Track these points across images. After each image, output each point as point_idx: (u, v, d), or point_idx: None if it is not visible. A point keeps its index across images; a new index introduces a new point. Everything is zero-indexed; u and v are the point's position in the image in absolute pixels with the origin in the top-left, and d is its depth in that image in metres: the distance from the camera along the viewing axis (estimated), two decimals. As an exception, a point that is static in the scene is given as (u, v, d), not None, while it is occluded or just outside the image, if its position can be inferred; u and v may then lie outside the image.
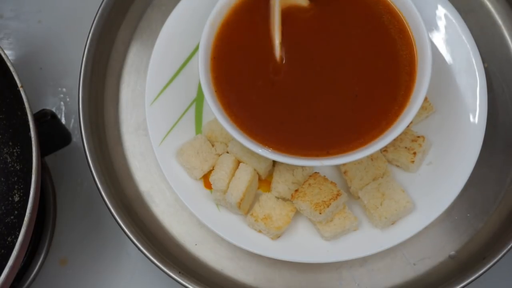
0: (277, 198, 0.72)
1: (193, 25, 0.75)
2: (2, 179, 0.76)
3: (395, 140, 0.65)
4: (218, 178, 0.71)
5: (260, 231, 0.71)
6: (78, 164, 0.83)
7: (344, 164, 0.72)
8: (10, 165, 0.76)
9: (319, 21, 0.71)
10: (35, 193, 0.67)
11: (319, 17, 0.71)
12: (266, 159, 0.71)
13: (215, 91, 0.68)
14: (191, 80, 0.76)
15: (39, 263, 0.80)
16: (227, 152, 0.73)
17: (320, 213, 0.69)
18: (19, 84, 0.70)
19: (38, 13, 0.90)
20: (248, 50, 0.71)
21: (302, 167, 0.71)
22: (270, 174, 0.73)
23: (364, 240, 0.71)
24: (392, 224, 0.71)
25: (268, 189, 0.73)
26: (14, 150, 0.76)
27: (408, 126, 0.65)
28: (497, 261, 0.69)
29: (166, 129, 0.74)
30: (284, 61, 0.69)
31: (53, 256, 0.81)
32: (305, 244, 0.71)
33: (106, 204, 0.72)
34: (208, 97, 0.67)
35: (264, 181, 0.74)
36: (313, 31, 0.70)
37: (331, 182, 0.71)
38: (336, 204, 0.69)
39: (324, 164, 0.65)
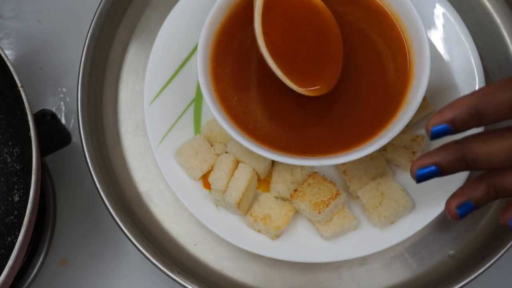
0: (276, 198, 0.72)
1: (191, 25, 0.75)
2: (2, 179, 0.76)
3: (394, 139, 0.65)
4: (217, 178, 0.71)
5: (259, 231, 0.71)
6: (78, 164, 0.83)
7: (343, 164, 0.72)
8: (10, 165, 0.76)
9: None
10: (35, 193, 0.67)
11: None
12: (265, 159, 0.71)
13: (214, 91, 0.68)
14: (190, 80, 0.76)
15: (39, 263, 0.79)
16: (226, 152, 0.73)
17: (319, 213, 0.69)
18: (19, 84, 0.70)
19: (38, 13, 0.90)
20: (247, 49, 0.71)
21: (301, 166, 0.71)
22: (269, 174, 0.73)
23: (364, 239, 0.71)
24: (392, 223, 0.71)
25: (267, 189, 0.73)
26: (14, 150, 0.76)
27: (407, 125, 0.65)
28: (496, 260, 0.69)
29: (165, 129, 0.74)
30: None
31: (53, 256, 0.81)
32: (304, 243, 0.71)
33: (105, 204, 0.72)
34: (207, 97, 0.67)
35: (263, 181, 0.74)
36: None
37: (330, 182, 0.71)
38: (335, 203, 0.69)
39: (323, 163, 0.65)
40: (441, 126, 0.54)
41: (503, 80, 0.53)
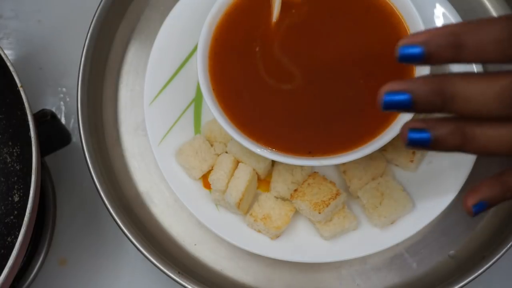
0: (276, 198, 0.72)
1: (191, 25, 0.75)
2: (2, 179, 0.76)
3: (394, 139, 0.65)
4: (217, 178, 0.71)
5: (259, 231, 0.71)
6: (78, 164, 0.83)
7: (343, 164, 0.72)
8: (10, 165, 0.76)
9: (314, 20, 0.71)
10: (35, 193, 0.67)
11: (315, 16, 0.71)
12: (265, 159, 0.71)
13: (214, 91, 0.68)
14: (190, 80, 0.76)
15: (39, 263, 0.80)
16: (226, 152, 0.73)
17: (319, 213, 0.69)
18: (19, 84, 0.70)
19: (38, 13, 0.90)
20: (247, 49, 0.71)
21: (301, 166, 0.71)
22: (269, 174, 0.73)
23: (364, 239, 0.71)
24: (392, 223, 0.71)
25: (267, 189, 0.73)
26: (14, 150, 0.76)
27: (407, 126, 0.65)
28: (497, 260, 0.69)
29: (165, 129, 0.74)
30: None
31: (53, 256, 0.81)
32: (304, 243, 0.71)
33: (105, 204, 0.72)
34: (207, 97, 0.67)
35: (263, 181, 0.74)
36: (310, 28, 0.70)
37: (330, 182, 0.71)
38: (335, 203, 0.69)
39: (323, 163, 0.65)
40: (413, 48, 0.46)
41: (497, 17, 0.46)
